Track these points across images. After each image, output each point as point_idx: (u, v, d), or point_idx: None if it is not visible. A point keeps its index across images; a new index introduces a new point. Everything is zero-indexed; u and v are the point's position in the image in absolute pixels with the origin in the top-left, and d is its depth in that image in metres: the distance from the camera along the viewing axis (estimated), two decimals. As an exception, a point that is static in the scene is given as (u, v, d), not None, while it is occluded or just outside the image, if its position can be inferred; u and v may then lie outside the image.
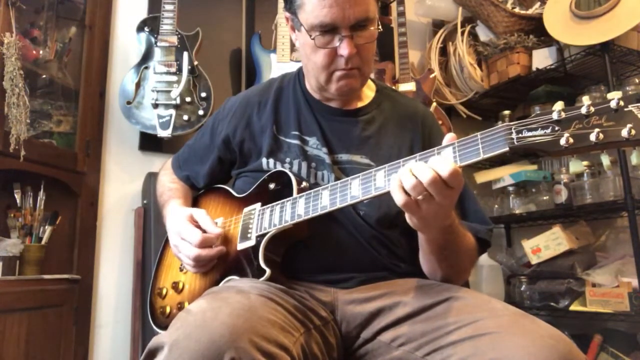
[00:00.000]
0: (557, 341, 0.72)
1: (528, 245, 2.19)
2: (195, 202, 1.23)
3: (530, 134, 0.71)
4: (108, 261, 1.92)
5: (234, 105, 1.19)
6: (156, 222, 1.80)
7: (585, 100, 0.69)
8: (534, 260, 2.17)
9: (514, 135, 0.72)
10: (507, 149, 0.72)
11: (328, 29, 0.98)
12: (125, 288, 1.90)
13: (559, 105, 0.70)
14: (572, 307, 2.00)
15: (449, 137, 0.80)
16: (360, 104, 1.13)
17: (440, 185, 0.74)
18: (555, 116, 0.70)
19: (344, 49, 0.98)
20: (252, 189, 1.09)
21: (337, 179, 1.02)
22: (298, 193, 0.97)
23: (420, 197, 0.75)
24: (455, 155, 0.76)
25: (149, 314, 1.14)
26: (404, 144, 1.09)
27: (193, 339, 0.68)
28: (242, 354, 0.67)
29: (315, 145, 1.07)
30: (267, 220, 0.98)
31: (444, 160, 0.75)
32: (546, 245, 2.13)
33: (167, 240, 1.22)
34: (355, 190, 0.87)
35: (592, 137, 0.67)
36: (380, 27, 1.02)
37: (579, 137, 0.68)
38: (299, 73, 1.18)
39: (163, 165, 1.36)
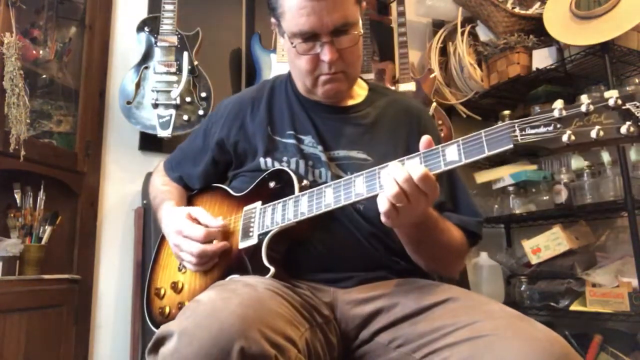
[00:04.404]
0: (554, 344, 0.72)
1: (528, 245, 2.19)
2: (189, 202, 1.22)
3: (533, 131, 0.72)
4: (108, 261, 1.92)
5: (227, 107, 1.20)
6: (156, 222, 1.80)
7: (584, 98, 0.71)
8: (534, 260, 2.17)
9: (517, 133, 0.73)
10: (511, 146, 0.73)
11: (308, 36, 1.00)
12: (125, 288, 1.90)
13: (559, 103, 0.72)
14: (572, 307, 2.00)
15: (424, 140, 0.82)
16: (352, 102, 1.15)
17: (414, 190, 0.78)
18: (556, 114, 0.71)
19: (325, 55, 1.00)
20: (251, 187, 1.08)
21: (333, 175, 1.03)
22: (300, 191, 0.97)
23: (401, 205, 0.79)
24: (460, 152, 0.78)
25: (146, 314, 1.13)
26: (400, 138, 1.10)
27: (203, 328, 0.68)
28: (252, 343, 0.67)
29: (310, 144, 1.08)
30: (269, 218, 0.98)
31: (416, 165, 0.79)
32: (546, 245, 2.13)
33: (161, 241, 1.23)
34: (360, 187, 0.87)
35: (593, 134, 0.68)
36: (362, 30, 1.04)
37: (580, 134, 0.70)
38: (290, 74, 1.19)
39: (155, 168, 1.35)
